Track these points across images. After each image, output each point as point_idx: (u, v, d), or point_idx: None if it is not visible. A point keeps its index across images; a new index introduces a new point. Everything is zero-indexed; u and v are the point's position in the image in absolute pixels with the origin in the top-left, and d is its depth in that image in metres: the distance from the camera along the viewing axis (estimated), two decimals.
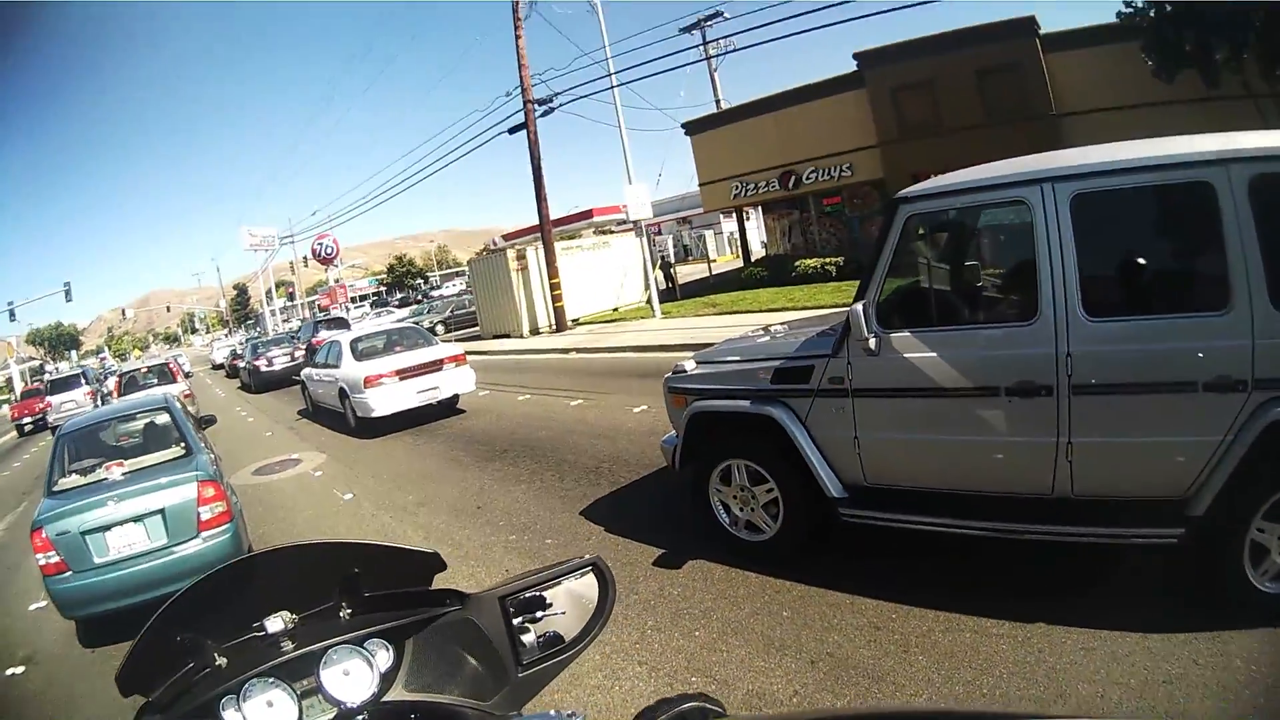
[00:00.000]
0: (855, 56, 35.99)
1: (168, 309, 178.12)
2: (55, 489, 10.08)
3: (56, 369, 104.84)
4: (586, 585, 2.54)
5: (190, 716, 2.21)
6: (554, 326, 36.58)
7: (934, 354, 6.36)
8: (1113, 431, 5.75)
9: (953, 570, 6.95)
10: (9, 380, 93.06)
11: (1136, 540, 5.80)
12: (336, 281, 69.04)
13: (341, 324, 43.56)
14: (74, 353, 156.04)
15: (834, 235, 39.96)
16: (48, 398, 45.42)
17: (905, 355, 6.47)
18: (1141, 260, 5.93)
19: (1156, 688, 5.10)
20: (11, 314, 69.46)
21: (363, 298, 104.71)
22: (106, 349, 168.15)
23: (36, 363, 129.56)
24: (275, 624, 2.26)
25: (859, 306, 6.42)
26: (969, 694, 5.36)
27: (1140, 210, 5.91)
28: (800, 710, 5.33)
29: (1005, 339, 6.17)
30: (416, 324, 32.49)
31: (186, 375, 37.23)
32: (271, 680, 2.22)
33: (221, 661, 2.27)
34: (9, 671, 9.84)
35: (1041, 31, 31.65)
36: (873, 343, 6.48)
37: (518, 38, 35.58)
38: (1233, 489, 5.39)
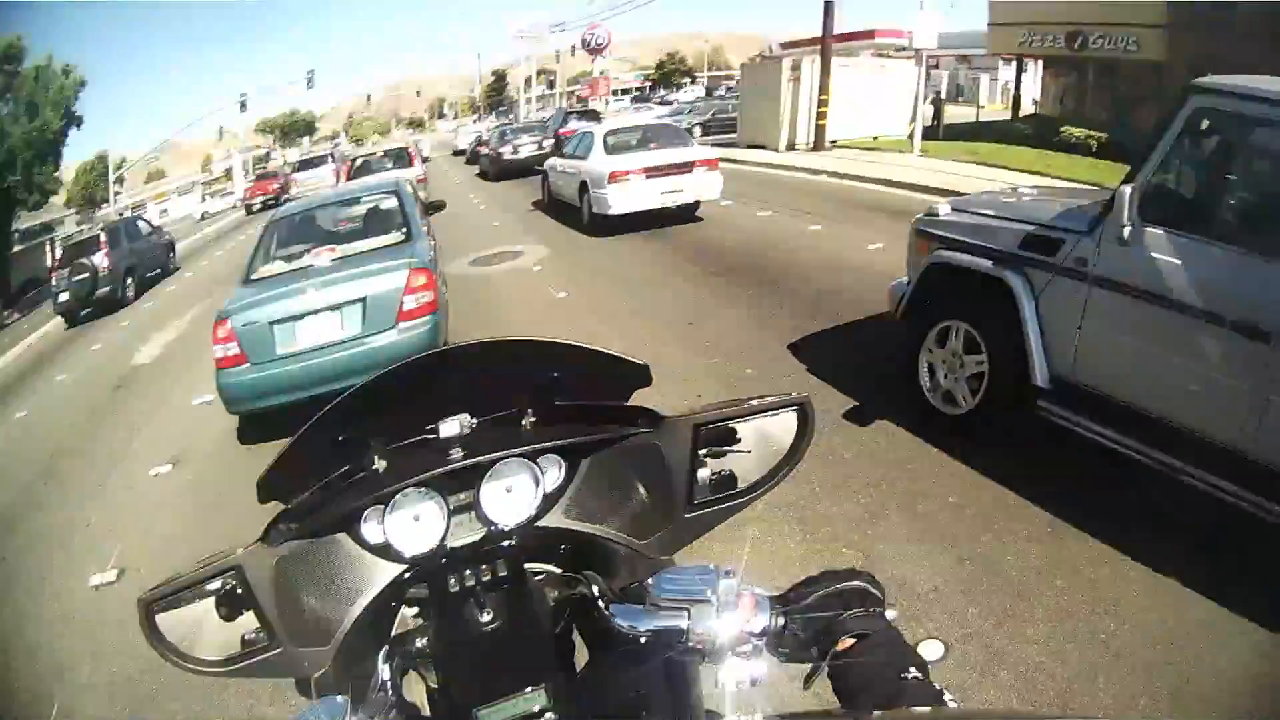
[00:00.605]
0: None
1: (417, 93, 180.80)
2: (252, 277, 10.25)
3: (284, 156, 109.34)
4: (780, 427, 2.22)
5: (326, 528, 2.14)
6: (811, 144, 35.65)
7: (1179, 262, 5.79)
8: None
9: (1121, 500, 6.33)
10: (229, 171, 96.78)
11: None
12: (601, 73, 68.92)
13: (593, 116, 43.45)
14: (306, 139, 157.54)
15: (1106, 110, 37.12)
16: (293, 175, 48.03)
17: (1152, 254, 5.91)
18: None
19: None
20: (242, 104, 72.59)
21: (624, 91, 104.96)
22: (343, 134, 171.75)
23: (262, 151, 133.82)
24: (450, 427, 2.14)
25: (1127, 189, 5.88)
26: (1087, 634, 5.02)
27: None
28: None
29: (1254, 271, 5.50)
30: (675, 123, 32.05)
31: (424, 160, 37.65)
32: (425, 491, 2.08)
33: (380, 465, 2.14)
34: (153, 471, 10.42)
35: None
36: (1127, 231, 5.95)
37: None
38: None
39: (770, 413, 2.21)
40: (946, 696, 1.36)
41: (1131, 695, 4.53)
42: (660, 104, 78.72)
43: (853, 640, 1.51)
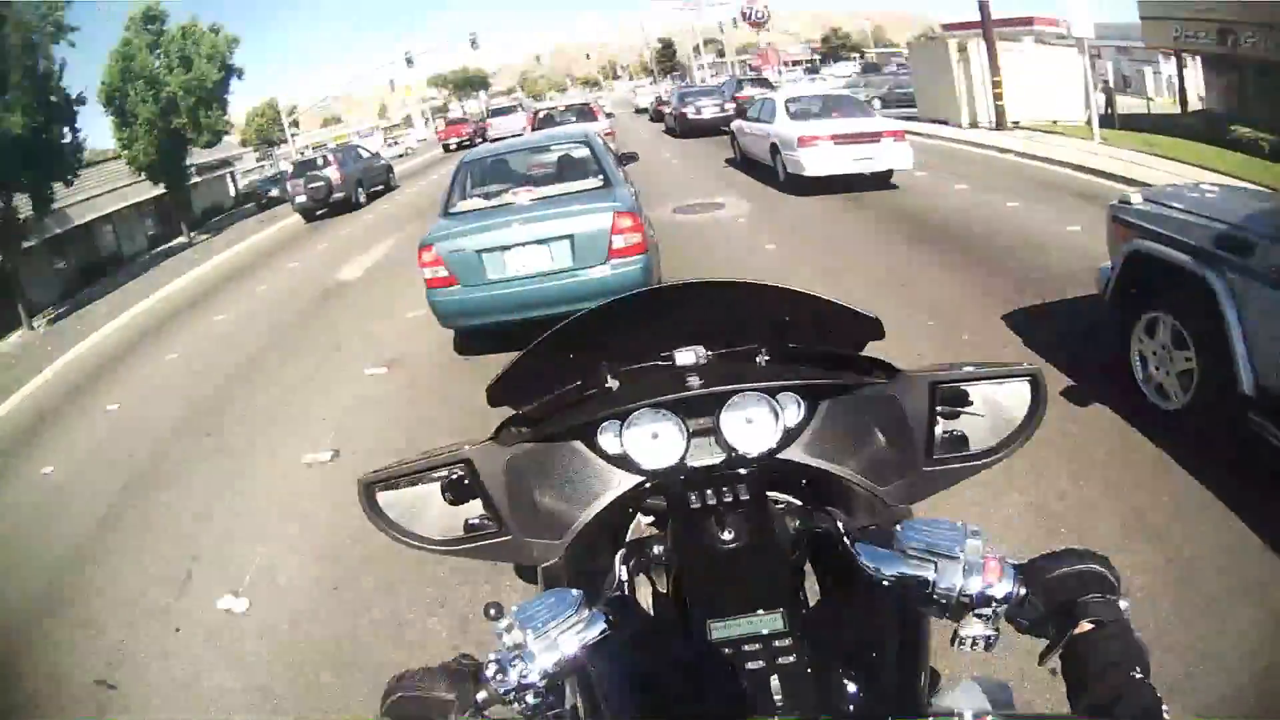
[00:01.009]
0: None
1: (588, 56, 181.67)
2: (451, 210, 10.75)
3: (463, 108, 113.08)
4: (1011, 395, 2.40)
5: (561, 435, 2.32)
6: (993, 124, 35.11)
7: None
8: None
9: None
10: (408, 118, 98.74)
11: None
12: (769, 45, 68.65)
13: (765, 84, 43.84)
14: (483, 92, 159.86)
15: (1268, 110, 34.71)
16: (488, 120, 52.99)
17: None
18: None
19: None
20: (409, 60, 74.17)
21: (795, 63, 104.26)
22: (520, 89, 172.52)
23: (439, 101, 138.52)
24: (686, 356, 2.30)
25: None
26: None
27: None
28: None
29: None
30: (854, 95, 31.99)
31: (609, 115, 38.39)
32: (664, 413, 2.26)
33: (613, 384, 2.31)
34: (369, 371, 11.09)
35: None
36: None
37: None
38: None
39: (1003, 380, 2.40)
40: (1164, 707, 1.36)
41: None
42: (832, 77, 78.04)
43: (1090, 625, 1.51)
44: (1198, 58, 41.10)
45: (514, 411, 2.39)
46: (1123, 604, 1.56)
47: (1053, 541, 5.18)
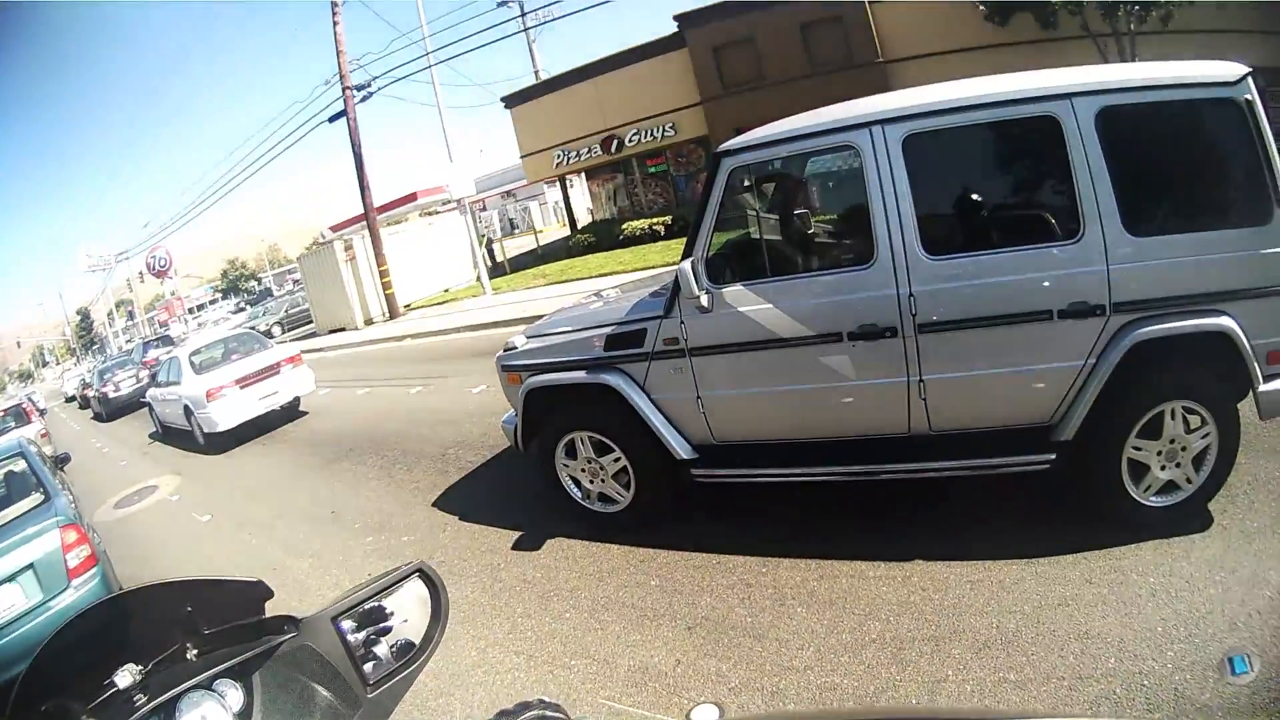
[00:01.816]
0: (676, 18, 35.39)
1: (18, 345, 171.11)
2: None
3: None
4: (423, 588, 2.43)
5: None
6: (386, 314, 35.94)
7: (770, 305, 6.10)
8: (965, 366, 5.65)
9: (819, 520, 6.76)
10: None
11: (1004, 469, 5.73)
12: (173, 294, 67.26)
13: (168, 341, 42.69)
14: None
15: (660, 196, 39.71)
16: None
17: (740, 309, 6.19)
18: (982, 196, 5.82)
19: (1053, 611, 5.00)
20: None
21: (199, 307, 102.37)
22: None
23: None
24: (124, 678, 2.05)
25: (686, 264, 6.11)
26: (856, 640, 5.16)
27: (979, 147, 5.82)
28: (797, 711, 4.98)
29: (843, 284, 5.94)
30: (252, 328, 31.41)
31: (41, 413, 35.62)
32: None
33: None
34: None
35: None
36: (705, 299, 6.19)
37: (335, 24, 34.59)
38: (1101, 411, 5.39)
39: (397, 585, 2.40)
40: None
41: (939, 675, 4.71)
42: (235, 311, 77.71)
43: None
44: (582, 175, 44.60)
45: None
46: None
47: (572, 679, 5.50)
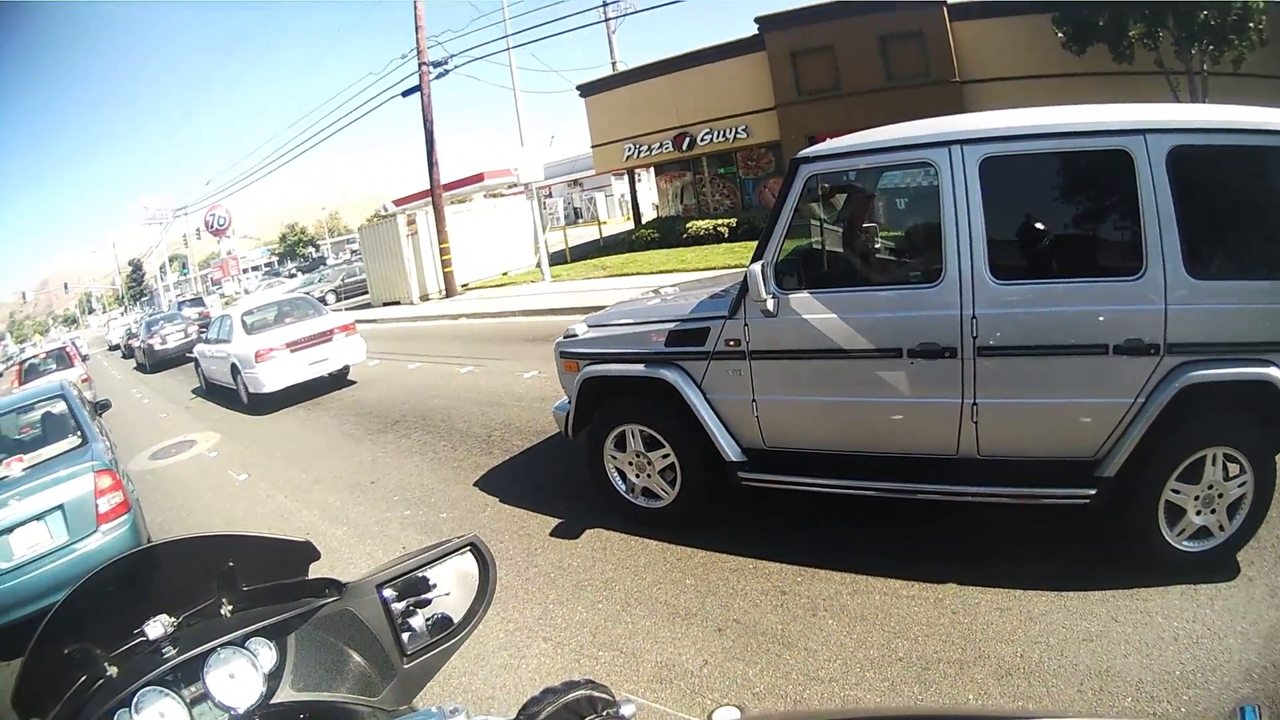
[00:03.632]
0: (757, 20, 35.21)
1: (65, 288, 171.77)
2: None
3: None
4: (466, 564, 2.43)
5: None
6: (444, 292, 35.91)
7: (834, 315, 6.13)
8: (1019, 393, 5.68)
9: (858, 534, 6.76)
10: None
11: (1046, 500, 5.74)
12: (229, 253, 67.43)
13: (198, 303, 42.87)
14: None
15: (727, 197, 39.56)
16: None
17: (804, 316, 6.22)
18: (1051, 224, 5.82)
19: (1077, 645, 5.00)
20: None
21: (254, 268, 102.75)
22: (8, 335, 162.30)
23: None
24: (155, 629, 2.11)
25: (756, 267, 6.12)
26: (883, 657, 5.18)
27: (1051, 175, 5.78)
28: (793, 711, 5.05)
29: (908, 300, 5.98)
30: (307, 294, 31.43)
31: (84, 358, 35.68)
32: (159, 689, 2.06)
33: (112, 671, 2.11)
34: None
35: (949, 0, 30.96)
36: (771, 304, 6.22)
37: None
38: (1145, 451, 5.37)
39: (448, 557, 2.41)
40: None
41: (960, 698, 4.75)
42: (290, 276, 77.78)
43: None
44: (651, 170, 44.76)
45: None
46: (626, 710, 1.62)
47: (599, 667, 5.59)
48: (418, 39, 34.80)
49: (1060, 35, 25.86)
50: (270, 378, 17.59)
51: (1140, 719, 4.33)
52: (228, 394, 19.99)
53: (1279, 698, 4.41)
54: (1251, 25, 22.43)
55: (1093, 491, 5.53)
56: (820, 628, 5.58)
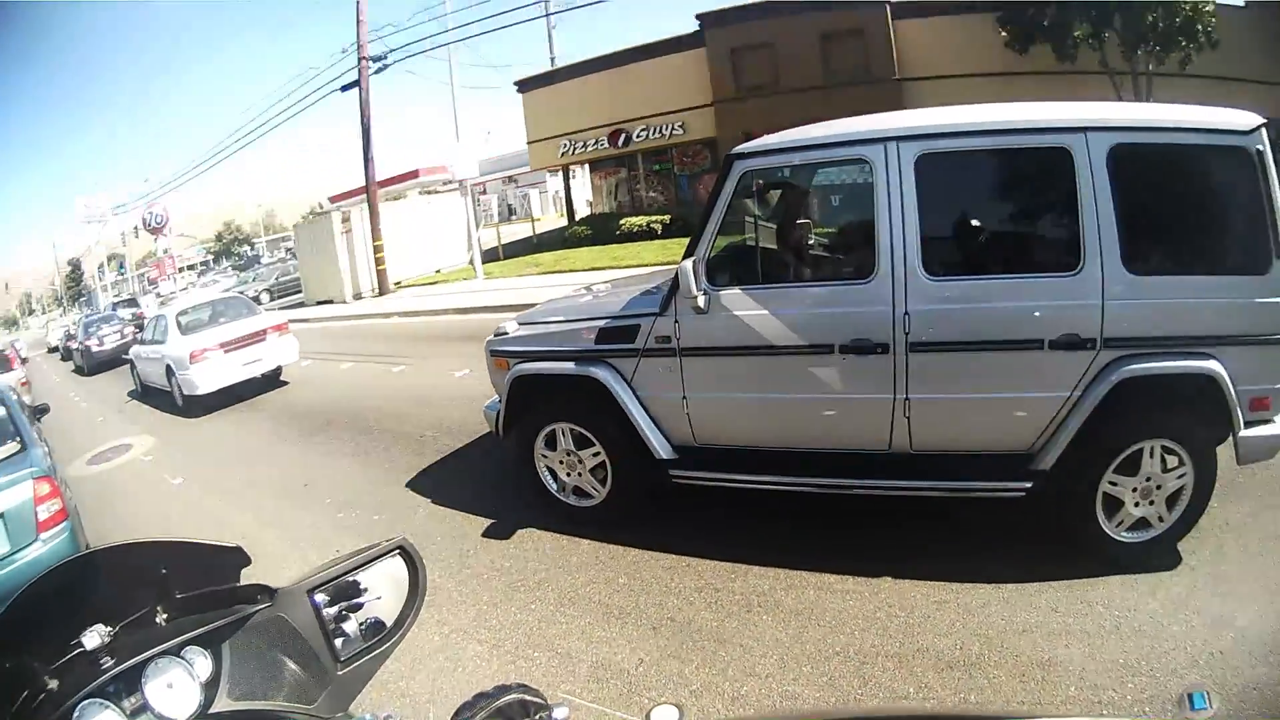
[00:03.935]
0: (698, 17, 35.40)
1: (5, 288, 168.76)
2: None
3: None
4: (400, 566, 2.42)
5: None
6: (377, 290, 35.81)
7: (766, 311, 6.13)
8: (952, 388, 5.73)
9: (791, 530, 6.80)
10: None
11: (981, 494, 5.81)
12: (165, 252, 66.75)
13: (132, 304, 43.66)
14: None
15: (661, 194, 39.76)
16: None
17: (736, 313, 6.23)
18: (987, 221, 5.93)
19: (1017, 637, 5.06)
20: None
21: (189, 267, 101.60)
22: None
23: None
24: (92, 639, 2.03)
25: (688, 263, 6.13)
26: (820, 652, 5.20)
27: (989, 172, 5.90)
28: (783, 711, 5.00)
29: (841, 296, 6.01)
30: (241, 293, 31.22)
31: (23, 361, 35.20)
32: (100, 702, 2.00)
33: (53, 685, 2.04)
34: None
35: None
36: (702, 300, 6.20)
37: None
38: (1082, 444, 5.44)
39: (376, 560, 2.40)
40: None
41: (900, 692, 4.77)
42: (224, 275, 77.41)
43: None
44: (586, 166, 44.79)
45: None
46: (559, 713, 1.65)
47: (535, 669, 5.55)
48: (359, 33, 34.53)
49: (1003, 35, 26.11)
50: (204, 379, 17.40)
51: (1138, 716, 4.37)
52: (162, 396, 19.79)
53: (1227, 684, 4.45)
54: (1200, 28, 22.73)
55: (1029, 484, 5.60)
56: (755, 624, 5.58)
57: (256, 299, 31.97)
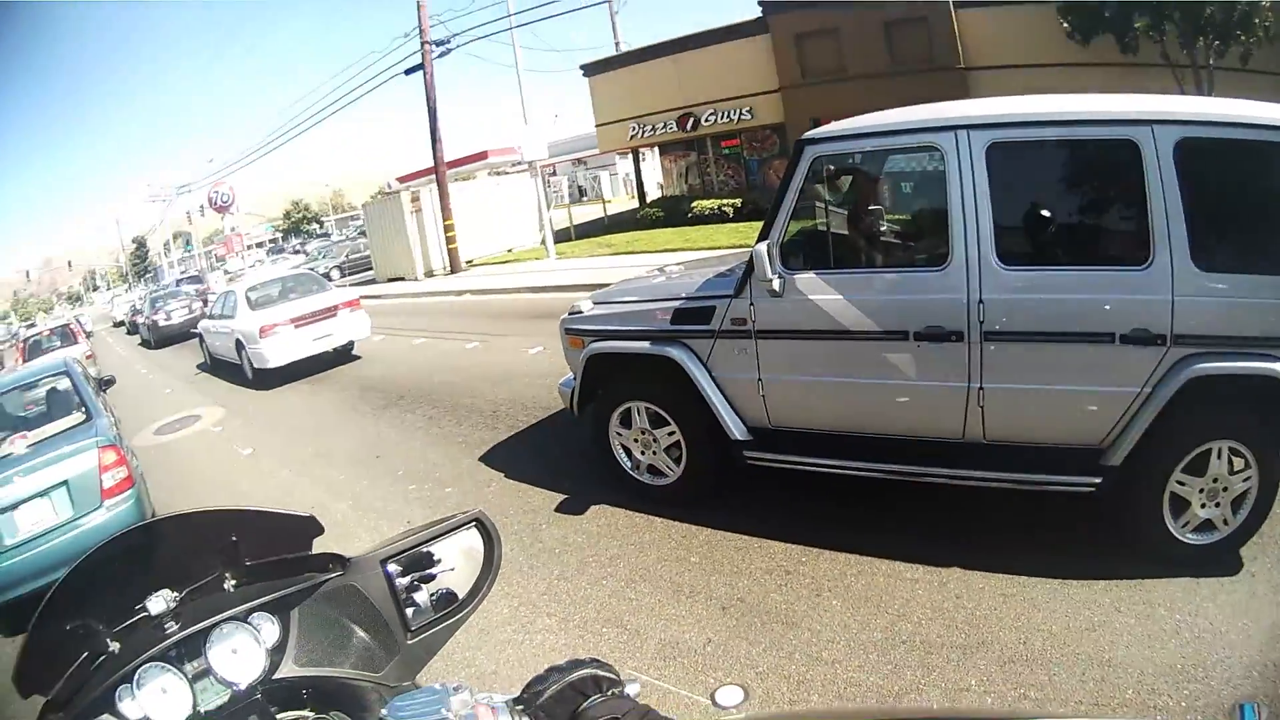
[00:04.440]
0: (761, 3, 35.05)
1: (69, 265, 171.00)
2: None
3: None
4: (471, 540, 2.41)
5: (88, 712, 2.03)
6: (448, 268, 35.84)
7: (840, 296, 6.11)
8: (1025, 379, 5.65)
9: (863, 515, 6.75)
10: None
11: (1050, 487, 5.74)
12: (233, 230, 67.31)
13: (196, 280, 44.04)
14: None
15: (731, 178, 39.49)
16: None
17: (810, 297, 6.20)
18: (1059, 211, 5.82)
19: (1080, 635, 4.98)
20: None
21: (259, 245, 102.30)
22: (12, 313, 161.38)
23: None
24: (158, 604, 2.10)
25: (762, 247, 6.11)
26: (887, 640, 5.18)
27: (1058, 163, 5.82)
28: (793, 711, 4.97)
29: (915, 284, 5.98)
30: (311, 269, 31.42)
31: (88, 335, 35.55)
32: (162, 665, 2.06)
33: (114, 647, 2.09)
34: None
35: None
36: (776, 283, 6.19)
37: None
38: (1151, 441, 5.35)
39: (453, 532, 2.40)
40: None
41: (963, 684, 4.74)
42: (295, 253, 77.73)
43: None
44: (655, 149, 44.64)
45: (45, 699, 2.06)
46: (631, 690, 1.61)
47: (604, 645, 5.60)
48: (420, 17, 34.64)
49: (1065, 25, 25.78)
50: (274, 353, 17.60)
51: (1142, 715, 4.32)
52: (232, 369, 19.99)
53: (1278, 697, 4.40)
54: (1257, 21, 22.37)
55: (1098, 480, 5.53)
56: (824, 608, 5.57)
57: (327, 275, 32.11)
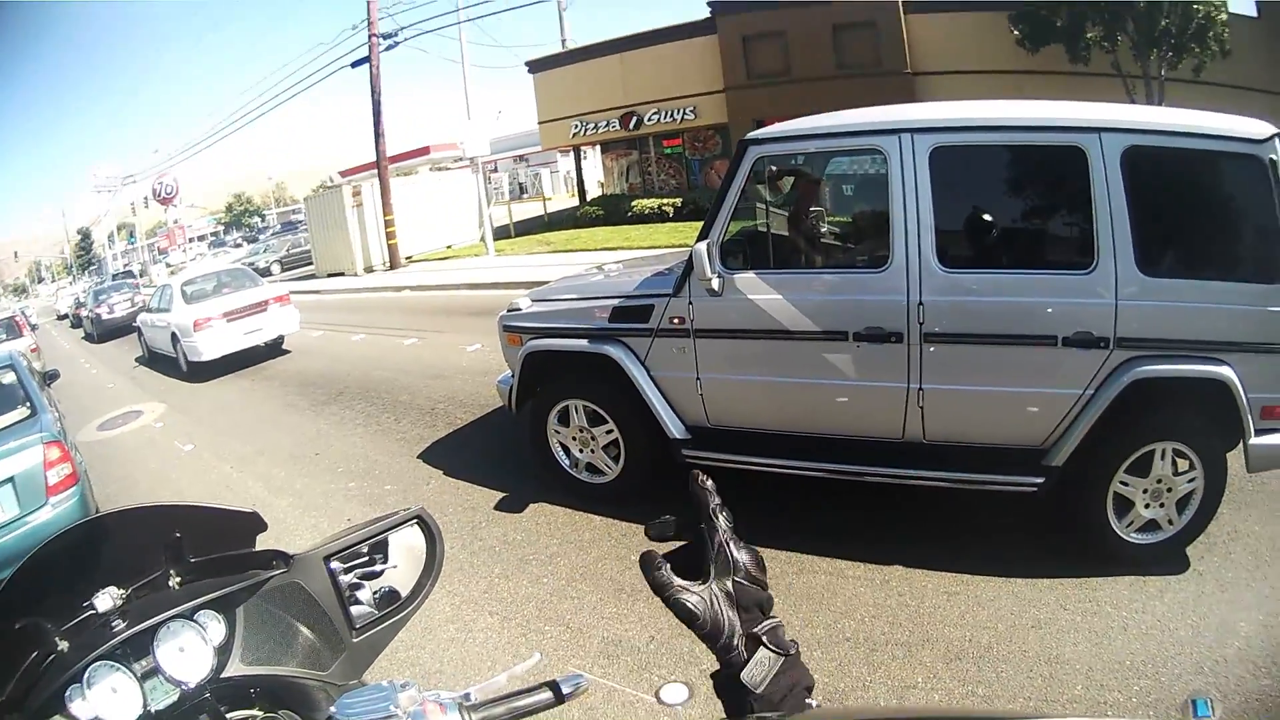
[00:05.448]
0: (709, 3, 35.23)
1: (15, 256, 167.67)
2: None
3: None
4: (413, 537, 2.37)
5: (41, 713, 1.98)
6: (387, 264, 35.70)
7: (779, 296, 6.11)
8: (965, 380, 5.70)
9: (803, 514, 6.77)
10: None
11: (991, 487, 5.77)
12: (175, 222, 66.50)
13: (129, 275, 44.28)
14: None
15: (672, 177, 39.61)
16: None
17: (749, 296, 6.20)
18: (1001, 216, 5.88)
19: (1026, 632, 5.03)
20: None
21: (200, 238, 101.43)
22: None
23: None
24: (104, 601, 2.04)
25: (702, 246, 6.09)
26: (830, 637, 5.19)
27: (1003, 168, 5.85)
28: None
29: (855, 284, 6.01)
30: (251, 264, 31.20)
31: (33, 328, 35.05)
32: (111, 664, 2.00)
33: (63, 646, 2.04)
34: None
35: None
36: (716, 283, 6.17)
37: None
38: (1094, 442, 5.43)
39: (393, 530, 2.36)
40: None
41: (909, 681, 4.76)
42: (235, 246, 77.34)
43: None
44: (597, 147, 44.66)
45: None
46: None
47: (546, 641, 5.52)
48: (369, 10, 34.36)
49: (1015, 33, 26.01)
50: (207, 346, 17.73)
51: (1134, 715, 4.33)
52: (168, 362, 19.90)
53: (1230, 691, 4.43)
54: (1212, 35, 22.66)
55: (1040, 480, 5.59)
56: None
57: (267, 270, 31.89)
